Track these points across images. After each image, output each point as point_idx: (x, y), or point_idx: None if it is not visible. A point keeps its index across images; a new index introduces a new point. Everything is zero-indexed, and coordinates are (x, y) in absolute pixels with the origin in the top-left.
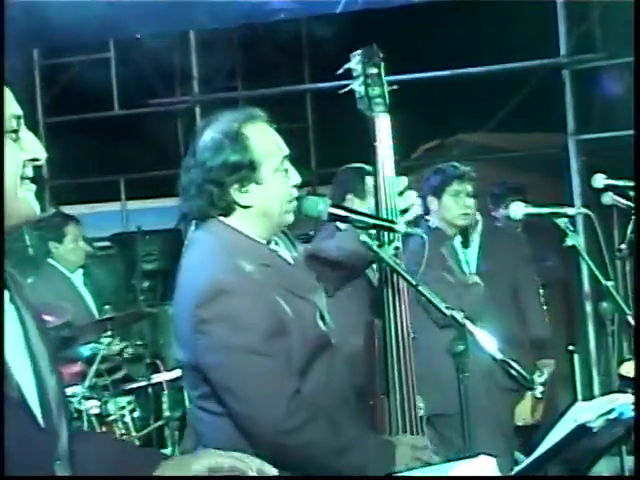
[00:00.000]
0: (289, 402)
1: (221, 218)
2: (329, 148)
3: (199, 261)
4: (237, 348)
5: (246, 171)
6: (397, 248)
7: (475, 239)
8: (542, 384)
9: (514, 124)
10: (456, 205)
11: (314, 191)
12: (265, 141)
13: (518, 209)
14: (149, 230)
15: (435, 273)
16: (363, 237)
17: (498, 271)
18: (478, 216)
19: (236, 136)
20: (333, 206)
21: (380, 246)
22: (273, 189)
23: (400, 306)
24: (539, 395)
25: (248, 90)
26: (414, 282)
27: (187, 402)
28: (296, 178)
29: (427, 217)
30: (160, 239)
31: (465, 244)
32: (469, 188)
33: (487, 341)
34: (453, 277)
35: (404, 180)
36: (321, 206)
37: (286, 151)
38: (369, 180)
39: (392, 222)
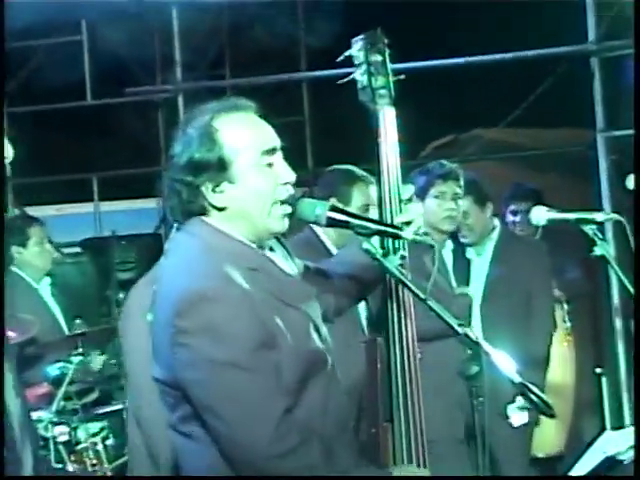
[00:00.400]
0: (278, 423)
1: (203, 218)
2: (328, 144)
3: (178, 265)
4: (220, 362)
5: (215, 169)
6: (403, 257)
7: (489, 246)
8: (520, 408)
9: (536, 119)
10: (439, 208)
11: (311, 192)
12: (240, 133)
13: (540, 214)
14: (125, 235)
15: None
16: (365, 244)
17: (510, 282)
18: (496, 222)
19: (205, 130)
20: (332, 210)
21: (385, 255)
22: (250, 188)
23: (406, 322)
24: (515, 424)
25: (237, 78)
26: (423, 296)
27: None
28: (287, 175)
29: None
30: (138, 245)
31: (457, 252)
32: (456, 189)
33: (504, 362)
34: (435, 287)
35: (410, 189)
36: (319, 210)
37: (272, 143)
38: (361, 185)
39: (398, 228)
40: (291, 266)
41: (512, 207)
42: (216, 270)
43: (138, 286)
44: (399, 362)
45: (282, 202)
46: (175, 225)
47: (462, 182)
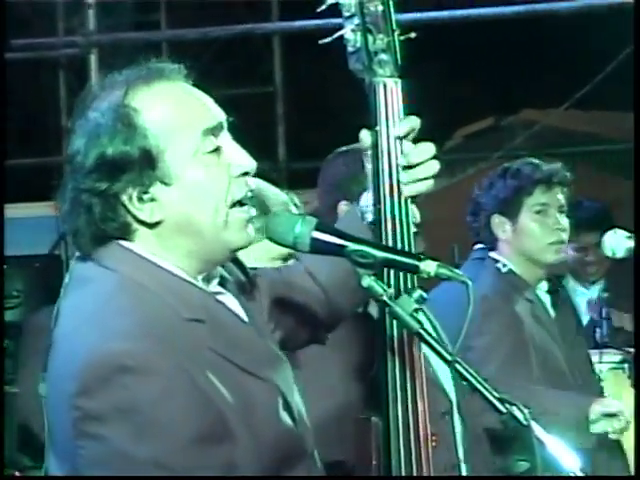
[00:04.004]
0: None
1: (123, 242)
2: (308, 125)
3: (85, 314)
4: (142, 461)
5: (139, 167)
6: (422, 299)
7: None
8: None
9: (615, 98)
10: (543, 228)
11: None
12: (169, 109)
13: (618, 241)
14: (9, 256)
15: (507, 350)
16: (367, 281)
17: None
18: None
19: (117, 112)
20: (320, 229)
21: (395, 296)
22: (193, 187)
23: (415, 392)
24: None
25: (177, 28)
26: (450, 357)
27: None
28: (243, 160)
29: (492, 254)
30: (27, 271)
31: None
32: (562, 199)
33: (565, 455)
34: (543, 354)
35: (410, 121)
36: (299, 228)
37: (216, 118)
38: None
39: (417, 258)
40: (251, 305)
41: (573, 244)
42: (141, 324)
43: None
44: (404, 454)
45: (241, 203)
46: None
47: (569, 188)
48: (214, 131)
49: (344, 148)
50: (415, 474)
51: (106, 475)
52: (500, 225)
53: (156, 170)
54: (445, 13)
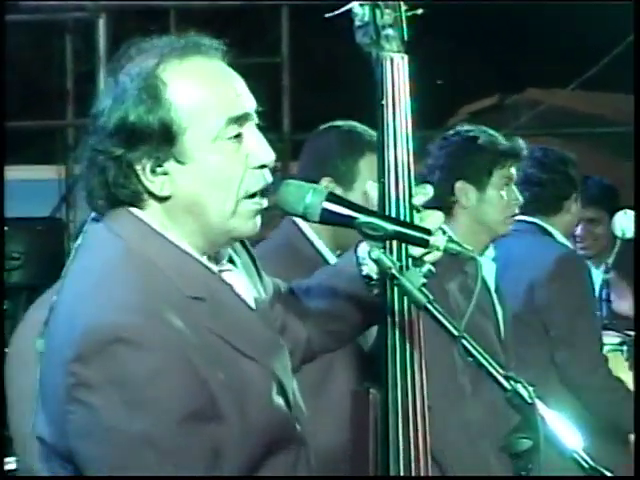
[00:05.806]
0: None
1: (133, 210)
2: (314, 97)
3: (88, 280)
4: (131, 436)
5: (157, 139)
6: (430, 274)
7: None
8: None
9: (615, 80)
10: (506, 202)
11: (285, 168)
12: (198, 90)
13: (629, 222)
14: (10, 218)
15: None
16: (375, 253)
17: None
18: None
19: (146, 81)
20: (330, 199)
21: (403, 269)
22: (207, 172)
23: (413, 365)
24: None
25: None
26: (457, 332)
27: None
28: (263, 154)
29: None
30: (27, 233)
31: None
32: (515, 173)
33: (567, 433)
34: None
35: (426, 191)
36: (310, 198)
37: (245, 107)
38: (373, 156)
39: (426, 231)
40: (258, 289)
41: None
42: (143, 298)
43: (38, 307)
44: (402, 423)
45: (254, 194)
46: (92, 214)
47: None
48: (239, 120)
49: (339, 122)
50: (412, 448)
51: (98, 474)
52: (464, 192)
53: (173, 147)
54: None
